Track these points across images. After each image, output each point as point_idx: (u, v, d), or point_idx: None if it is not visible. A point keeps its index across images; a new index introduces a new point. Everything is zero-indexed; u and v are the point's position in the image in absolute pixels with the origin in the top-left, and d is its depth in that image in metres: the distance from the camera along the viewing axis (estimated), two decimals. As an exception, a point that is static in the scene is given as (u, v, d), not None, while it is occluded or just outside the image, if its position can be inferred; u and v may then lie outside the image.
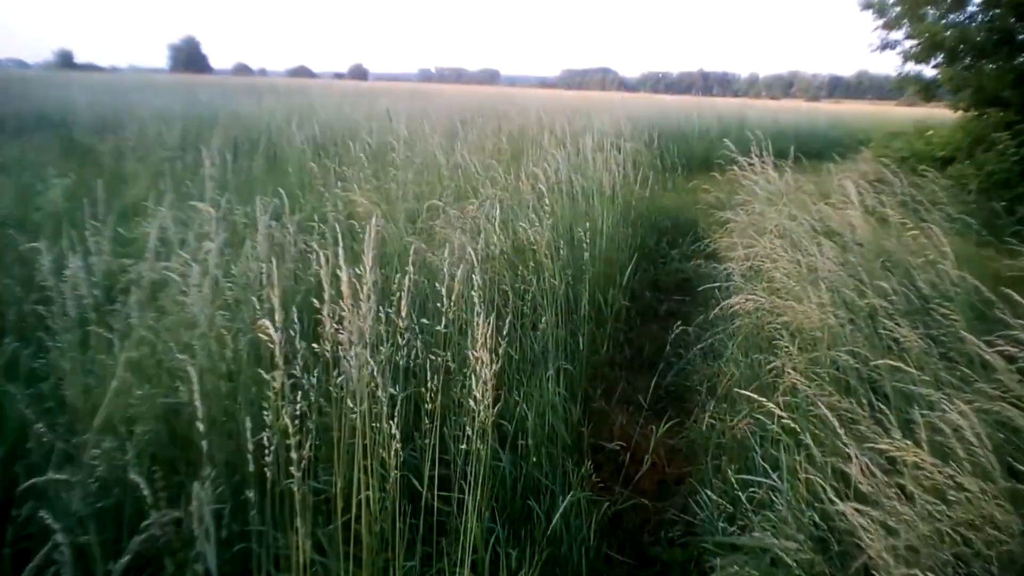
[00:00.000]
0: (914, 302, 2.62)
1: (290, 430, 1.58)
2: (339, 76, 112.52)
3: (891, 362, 2.23)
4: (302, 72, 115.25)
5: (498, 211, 3.46)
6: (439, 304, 2.17)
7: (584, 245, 3.18)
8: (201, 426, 1.60)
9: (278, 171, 5.36)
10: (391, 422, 1.77)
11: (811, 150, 13.84)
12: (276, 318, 1.67)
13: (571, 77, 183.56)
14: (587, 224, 3.68)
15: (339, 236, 2.14)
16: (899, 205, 3.87)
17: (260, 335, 1.70)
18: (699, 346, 3.60)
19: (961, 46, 7.01)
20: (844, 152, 14.70)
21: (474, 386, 1.87)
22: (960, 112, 8.85)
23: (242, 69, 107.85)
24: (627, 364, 3.75)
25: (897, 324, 2.35)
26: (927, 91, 8.30)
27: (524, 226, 3.13)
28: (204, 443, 1.63)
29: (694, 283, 4.87)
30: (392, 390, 1.85)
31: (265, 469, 1.63)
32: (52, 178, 4.31)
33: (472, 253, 2.56)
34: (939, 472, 1.59)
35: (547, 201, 3.71)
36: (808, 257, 3.02)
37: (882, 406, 2.06)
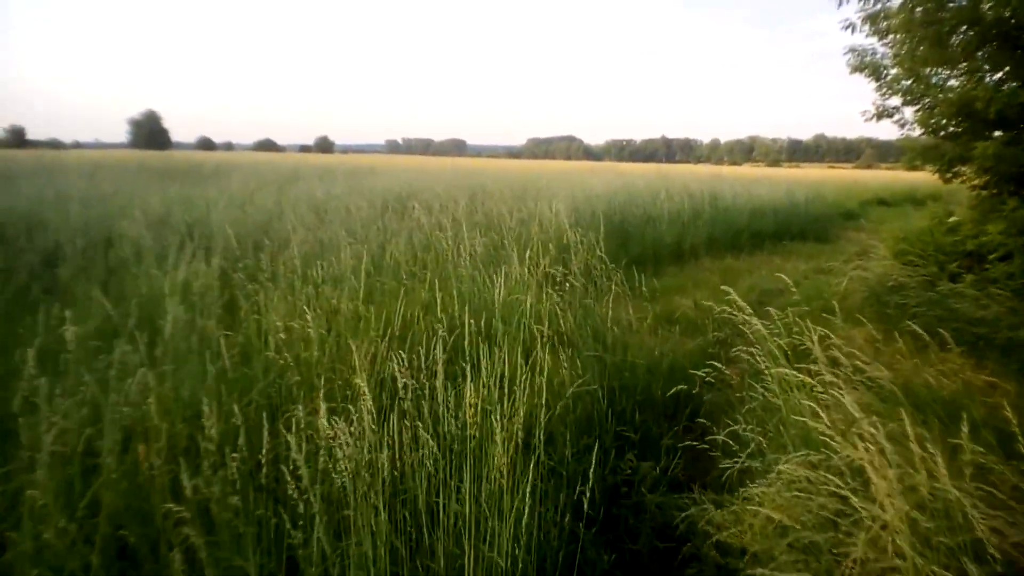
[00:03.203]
0: None
1: None
2: (305, 148, 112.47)
3: None
4: (267, 145, 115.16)
5: None
6: None
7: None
8: None
9: None
10: None
11: (794, 230, 12.30)
12: None
13: (537, 146, 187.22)
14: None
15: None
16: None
17: None
18: None
19: (996, 111, 5.39)
20: (830, 230, 13.23)
21: None
22: (976, 190, 7.27)
23: (205, 143, 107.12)
24: None
25: None
26: (950, 166, 6.70)
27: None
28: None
29: (686, 538, 2.69)
30: None
31: None
32: None
33: None
34: None
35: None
36: None
37: None
